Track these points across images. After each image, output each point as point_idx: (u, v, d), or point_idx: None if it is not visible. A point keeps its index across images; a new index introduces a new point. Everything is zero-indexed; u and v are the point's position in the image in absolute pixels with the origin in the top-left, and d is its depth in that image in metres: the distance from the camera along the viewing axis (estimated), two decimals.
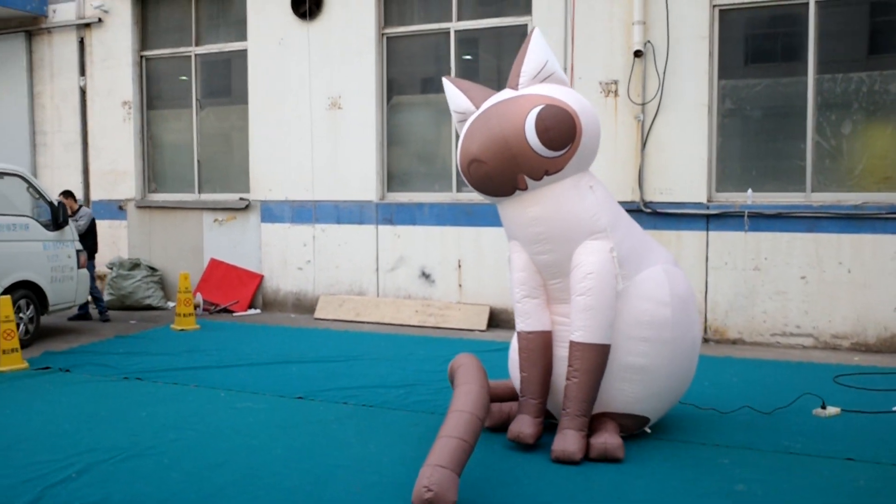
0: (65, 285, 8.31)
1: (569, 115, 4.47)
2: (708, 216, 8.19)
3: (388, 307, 9.48)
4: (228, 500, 3.93)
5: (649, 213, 8.34)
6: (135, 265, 10.56)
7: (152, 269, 10.70)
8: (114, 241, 11.31)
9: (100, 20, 11.13)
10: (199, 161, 10.91)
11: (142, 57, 11.13)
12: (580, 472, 4.31)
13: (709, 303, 8.23)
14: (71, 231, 8.47)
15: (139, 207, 11.10)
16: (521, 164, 4.50)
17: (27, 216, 7.99)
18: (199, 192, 10.91)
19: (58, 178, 11.66)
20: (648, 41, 8.25)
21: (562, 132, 4.44)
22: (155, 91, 11.23)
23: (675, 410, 5.38)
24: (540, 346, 4.72)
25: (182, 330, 8.81)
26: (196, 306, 10.02)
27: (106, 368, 6.86)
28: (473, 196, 9.05)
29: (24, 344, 7.77)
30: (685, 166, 8.25)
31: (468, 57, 9.44)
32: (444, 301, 9.30)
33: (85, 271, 8.69)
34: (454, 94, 4.95)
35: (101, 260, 11.21)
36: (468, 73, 9.34)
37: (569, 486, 4.10)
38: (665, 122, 8.29)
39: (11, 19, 11.65)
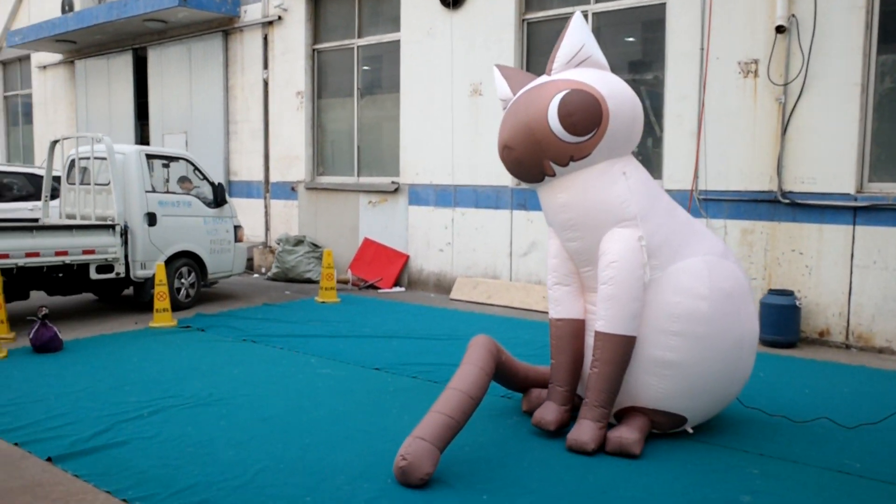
0: (223, 256, 9.37)
1: (594, 99, 4.34)
2: (855, 209, 7.35)
3: (518, 291, 9.58)
4: (249, 449, 4.36)
5: (787, 204, 7.67)
6: (299, 241, 11.56)
7: (315, 245, 11.64)
8: (287, 220, 12.46)
9: (280, 18, 12.25)
10: (358, 146, 11.67)
11: (314, 50, 12.09)
12: (588, 463, 4.23)
13: (852, 305, 7.41)
14: (230, 209, 9.51)
15: (308, 189, 12.10)
16: (546, 149, 4.45)
17: (190, 195, 9.11)
18: (358, 176, 11.66)
19: (245, 162, 13.07)
20: (793, 15, 7.55)
21: (586, 117, 4.34)
22: (323, 81, 12.15)
23: (737, 414, 5.06)
24: (569, 334, 4.66)
25: (323, 302, 9.56)
26: (345, 281, 10.82)
27: (234, 331, 7.70)
28: None
29: (186, 306, 8.94)
30: (831, 153, 7.47)
31: (631, 39, 9.16)
32: None
33: (242, 244, 9.73)
34: (499, 82, 4.97)
35: (272, 236, 12.43)
36: (606, 51, 9.10)
37: (566, 476, 4.04)
38: (809, 104, 7.55)
39: (212, 21, 13.17)
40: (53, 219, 9.05)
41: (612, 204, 4.44)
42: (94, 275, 8.00)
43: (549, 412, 4.64)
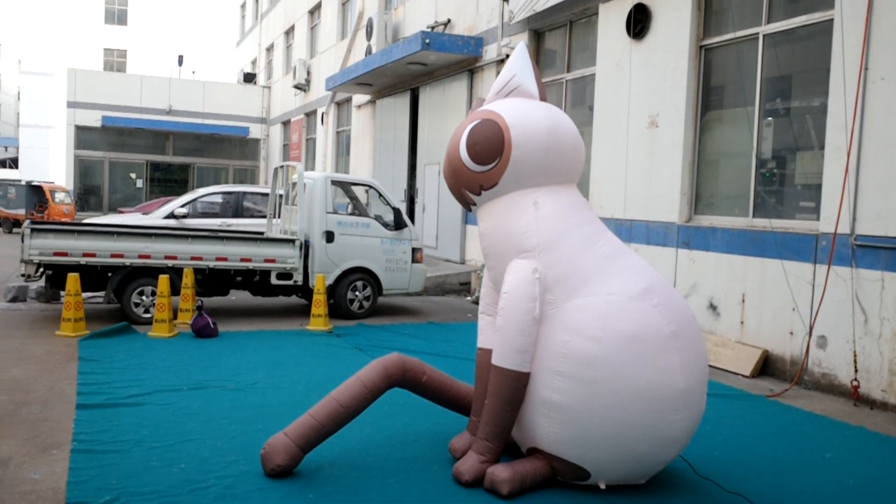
0: (398, 274, 10.35)
1: (497, 128, 4.35)
2: None
3: None
4: (207, 425, 5.14)
5: None
6: None
7: None
8: None
9: (507, 56, 12.96)
10: None
11: None
12: (456, 493, 4.22)
13: None
14: (409, 232, 10.46)
15: None
16: (460, 178, 4.56)
17: (370, 217, 10.27)
18: None
19: None
20: None
21: (488, 146, 4.37)
22: None
23: (685, 481, 4.48)
24: (486, 364, 4.61)
25: None
26: None
27: (362, 339, 8.57)
28: (769, 223, 7.99)
29: (359, 315, 10.10)
30: None
31: (800, 62, 8.17)
32: (723, 337, 8.38)
33: (421, 265, 10.61)
34: None
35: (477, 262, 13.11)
36: (776, 75, 8.18)
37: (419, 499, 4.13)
38: None
39: (462, 61, 14.41)
40: (274, 233, 10.89)
41: (516, 234, 4.37)
42: (274, 280, 9.52)
43: (460, 440, 4.68)
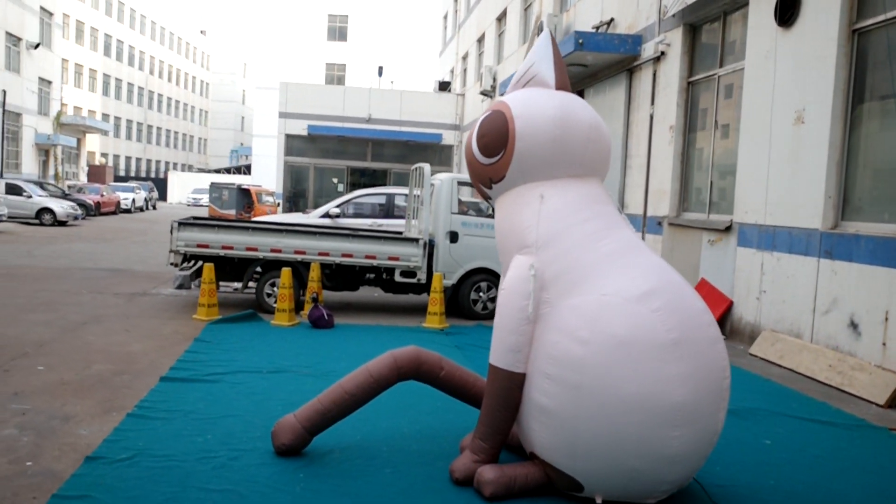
0: None
1: (503, 118, 4.24)
2: None
3: (808, 354, 8.07)
4: (258, 403, 5.48)
5: None
6: None
7: None
8: None
9: (664, 53, 12.37)
10: (711, 182, 11.08)
11: (688, 83, 11.87)
12: (444, 490, 4.18)
13: None
14: None
15: (670, 224, 11.93)
16: (474, 171, 4.51)
17: (492, 217, 10.24)
18: (709, 213, 11.07)
19: (634, 196, 13.48)
20: None
21: (494, 138, 4.28)
22: (694, 114, 11.82)
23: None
24: None
25: None
26: None
27: (466, 338, 8.62)
28: None
29: (482, 316, 10.13)
30: None
31: None
32: (861, 360, 7.41)
33: None
34: None
35: None
36: None
37: (406, 487, 4.15)
38: None
39: (622, 61, 13.95)
40: (412, 233, 11.23)
41: (519, 228, 4.24)
42: (398, 278, 9.84)
43: (469, 438, 4.59)
